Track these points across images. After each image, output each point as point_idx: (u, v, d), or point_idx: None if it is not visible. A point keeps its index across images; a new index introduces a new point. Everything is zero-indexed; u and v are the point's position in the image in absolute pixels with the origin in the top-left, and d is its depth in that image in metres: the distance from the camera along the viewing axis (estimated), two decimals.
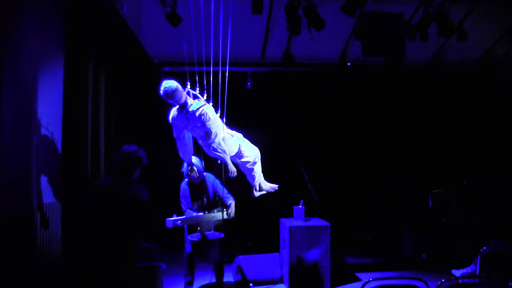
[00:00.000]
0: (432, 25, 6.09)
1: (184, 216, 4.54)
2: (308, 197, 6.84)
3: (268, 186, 4.63)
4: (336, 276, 5.29)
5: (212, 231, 4.59)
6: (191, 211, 4.80)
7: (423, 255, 6.18)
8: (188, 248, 4.80)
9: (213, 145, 3.92)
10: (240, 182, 5.05)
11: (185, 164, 4.68)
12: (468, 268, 5.27)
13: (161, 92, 3.78)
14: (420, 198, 7.07)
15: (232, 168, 4.14)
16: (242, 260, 5.43)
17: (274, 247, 5.69)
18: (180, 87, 3.83)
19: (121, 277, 3.45)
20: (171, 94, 3.76)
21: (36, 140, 3.60)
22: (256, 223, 6.82)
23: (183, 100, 3.87)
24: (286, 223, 5.29)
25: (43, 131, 3.78)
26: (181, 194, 4.93)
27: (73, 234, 3.94)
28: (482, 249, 4.58)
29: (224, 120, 4.15)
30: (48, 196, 3.81)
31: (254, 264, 5.42)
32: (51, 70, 3.92)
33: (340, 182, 7.62)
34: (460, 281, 3.57)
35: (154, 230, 3.72)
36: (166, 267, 4.88)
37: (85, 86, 4.31)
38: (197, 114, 3.84)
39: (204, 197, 4.89)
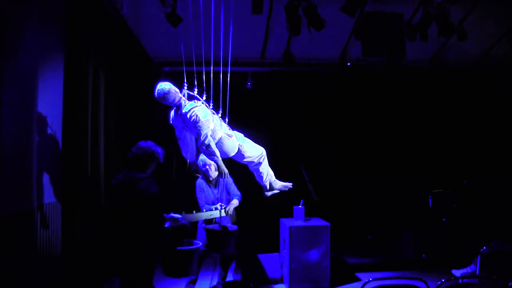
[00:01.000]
0: (432, 25, 6.09)
1: (183, 214, 4.54)
2: (308, 197, 6.84)
3: (280, 185, 4.61)
4: (336, 276, 5.29)
5: (230, 224, 4.65)
6: (208, 207, 4.83)
7: (423, 255, 6.18)
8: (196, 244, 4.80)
9: (202, 146, 3.95)
10: (240, 183, 5.08)
11: (198, 160, 4.70)
12: (468, 268, 5.27)
13: (155, 94, 3.88)
14: (420, 198, 7.07)
15: (224, 169, 4.16)
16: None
17: (274, 247, 5.69)
18: (173, 89, 3.89)
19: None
20: (163, 96, 3.87)
21: (36, 140, 3.60)
22: (256, 223, 6.82)
23: (176, 101, 3.93)
24: (286, 223, 5.29)
25: (43, 131, 3.78)
26: (197, 189, 5.00)
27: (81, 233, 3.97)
28: (482, 249, 4.58)
29: (227, 120, 4.15)
30: (48, 196, 3.81)
31: (254, 264, 5.42)
32: (51, 70, 3.93)
33: (340, 182, 7.61)
34: (460, 281, 3.56)
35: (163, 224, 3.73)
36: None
37: (85, 86, 4.31)
38: (188, 115, 3.89)
39: (218, 193, 4.95)
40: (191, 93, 4.03)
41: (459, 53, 7.12)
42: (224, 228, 4.50)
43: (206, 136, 3.91)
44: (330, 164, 7.59)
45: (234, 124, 4.35)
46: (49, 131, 3.86)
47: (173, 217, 3.78)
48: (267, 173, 4.48)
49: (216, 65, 4.05)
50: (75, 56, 4.16)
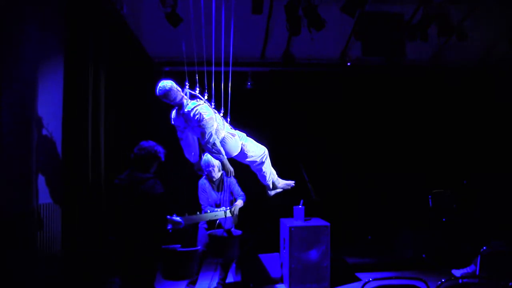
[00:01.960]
0: (432, 25, 6.09)
1: (185, 216, 4.54)
2: (308, 197, 6.84)
3: (283, 184, 4.61)
4: (336, 276, 5.29)
5: (232, 227, 4.64)
6: (210, 208, 4.82)
7: (423, 255, 6.18)
8: (199, 245, 4.80)
9: (207, 145, 3.91)
10: (242, 183, 5.08)
11: (202, 161, 4.68)
12: (468, 268, 5.27)
13: (156, 92, 3.84)
14: (420, 198, 7.07)
15: (229, 168, 4.13)
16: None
17: (274, 247, 5.69)
18: (175, 87, 3.86)
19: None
20: (165, 94, 3.83)
21: (36, 140, 3.60)
22: (256, 223, 6.82)
23: (178, 100, 3.90)
24: (286, 223, 5.29)
25: (43, 131, 3.78)
26: (199, 189, 4.97)
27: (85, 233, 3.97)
28: (482, 249, 4.58)
29: (228, 120, 4.15)
30: (48, 196, 3.81)
31: (254, 264, 5.42)
32: (51, 70, 3.92)
33: (340, 182, 7.61)
34: (460, 281, 3.56)
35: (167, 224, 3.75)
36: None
37: (85, 86, 4.30)
38: (191, 114, 3.85)
39: (221, 194, 4.93)
40: (193, 92, 4.01)
41: (459, 53, 7.12)
42: (229, 233, 4.50)
43: (211, 135, 3.88)
44: (330, 164, 7.58)
45: (234, 124, 4.34)
46: (49, 131, 3.86)
47: (173, 220, 3.79)
48: (270, 172, 4.47)
49: (216, 65, 4.05)
50: (75, 56, 4.16)
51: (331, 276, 5.17)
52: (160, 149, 3.63)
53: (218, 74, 4.08)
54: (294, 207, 5.49)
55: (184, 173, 4.53)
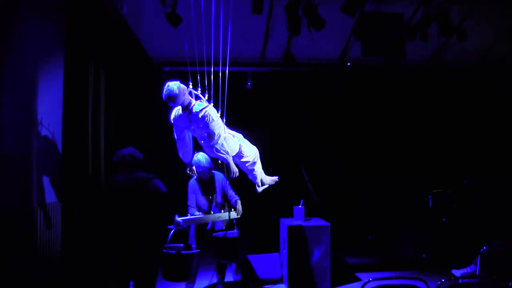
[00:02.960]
0: (432, 25, 6.10)
1: (188, 216, 4.53)
2: (308, 197, 6.84)
3: (269, 180, 4.66)
4: (336, 276, 5.29)
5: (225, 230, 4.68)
6: (194, 211, 4.80)
7: (423, 255, 6.18)
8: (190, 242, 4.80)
9: (216, 146, 3.88)
10: (240, 182, 5.07)
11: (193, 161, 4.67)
12: (468, 268, 5.27)
13: (163, 96, 3.69)
14: (420, 198, 7.07)
15: (234, 168, 4.12)
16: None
17: (274, 247, 5.69)
18: (182, 90, 3.73)
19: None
20: (173, 98, 3.67)
21: (36, 140, 3.59)
22: (256, 223, 6.83)
23: (186, 103, 3.80)
24: (286, 223, 5.29)
25: (43, 131, 3.78)
26: (189, 190, 4.92)
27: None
28: (482, 249, 4.58)
29: (224, 120, 4.14)
30: (48, 196, 3.81)
31: (254, 264, 5.42)
32: (51, 70, 3.92)
33: (340, 182, 7.61)
34: (460, 281, 3.56)
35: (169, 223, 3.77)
36: None
37: (85, 86, 4.30)
38: (200, 115, 3.78)
39: (212, 195, 4.91)
40: (197, 92, 3.95)
41: (459, 53, 7.13)
42: (225, 235, 4.51)
43: (220, 136, 3.87)
44: (330, 164, 7.59)
45: (234, 124, 4.34)
46: (49, 131, 3.86)
47: (176, 221, 3.80)
48: (260, 172, 4.52)
49: (216, 65, 4.04)
50: (75, 56, 4.15)
51: (331, 276, 5.17)
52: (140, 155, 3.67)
53: (217, 74, 4.08)
54: (294, 207, 5.49)
55: (183, 174, 4.51)
